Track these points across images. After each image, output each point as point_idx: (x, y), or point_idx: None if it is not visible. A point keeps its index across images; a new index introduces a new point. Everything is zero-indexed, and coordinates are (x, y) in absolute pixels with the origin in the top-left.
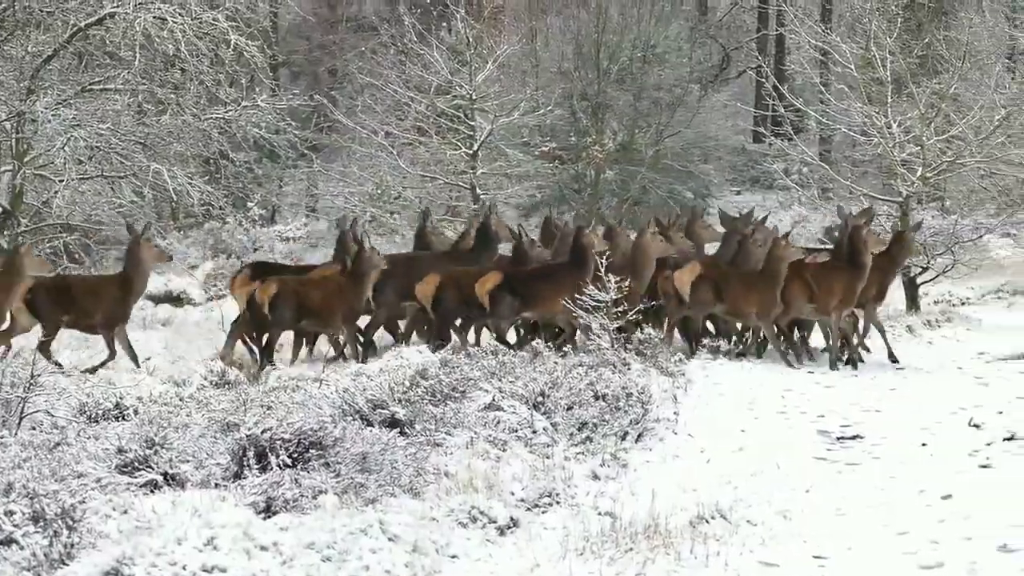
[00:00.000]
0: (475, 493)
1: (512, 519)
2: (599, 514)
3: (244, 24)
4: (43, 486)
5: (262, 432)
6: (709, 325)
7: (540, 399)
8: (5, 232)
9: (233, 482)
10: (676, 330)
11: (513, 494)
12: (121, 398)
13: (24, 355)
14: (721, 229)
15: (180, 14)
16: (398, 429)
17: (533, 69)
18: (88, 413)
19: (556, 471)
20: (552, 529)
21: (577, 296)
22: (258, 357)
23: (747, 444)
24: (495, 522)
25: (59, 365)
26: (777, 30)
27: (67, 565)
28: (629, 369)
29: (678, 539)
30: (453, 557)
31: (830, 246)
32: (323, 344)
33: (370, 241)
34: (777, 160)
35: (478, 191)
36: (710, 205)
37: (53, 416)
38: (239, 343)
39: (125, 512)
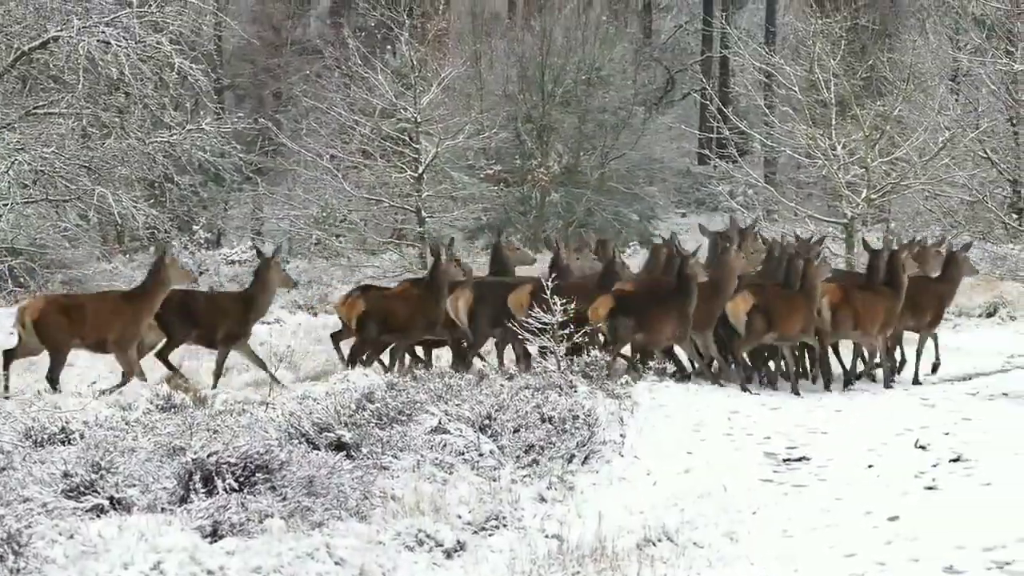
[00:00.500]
0: (422, 516)
1: (459, 542)
2: (546, 537)
3: (188, 48)
4: None
5: (208, 456)
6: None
7: (487, 422)
8: None
9: (179, 506)
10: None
11: (460, 517)
12: (67, 422)
13: None
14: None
15: (124, 38)
16: (345, 452)
17: (478, 92)
18: (34, 437)
19: (503, 494)
20: (499, 552)
21: (523, 319)
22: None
23: (694, 466)
24: (442, 545)
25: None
26: (721, 52)
27: None
28: (576, 391)
29: (625, 562)
30: None
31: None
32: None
33: (450, 254)
34: (722, 182)
35: (423, 214)
36: (655, 227)
37: None
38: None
39: (71, 537)
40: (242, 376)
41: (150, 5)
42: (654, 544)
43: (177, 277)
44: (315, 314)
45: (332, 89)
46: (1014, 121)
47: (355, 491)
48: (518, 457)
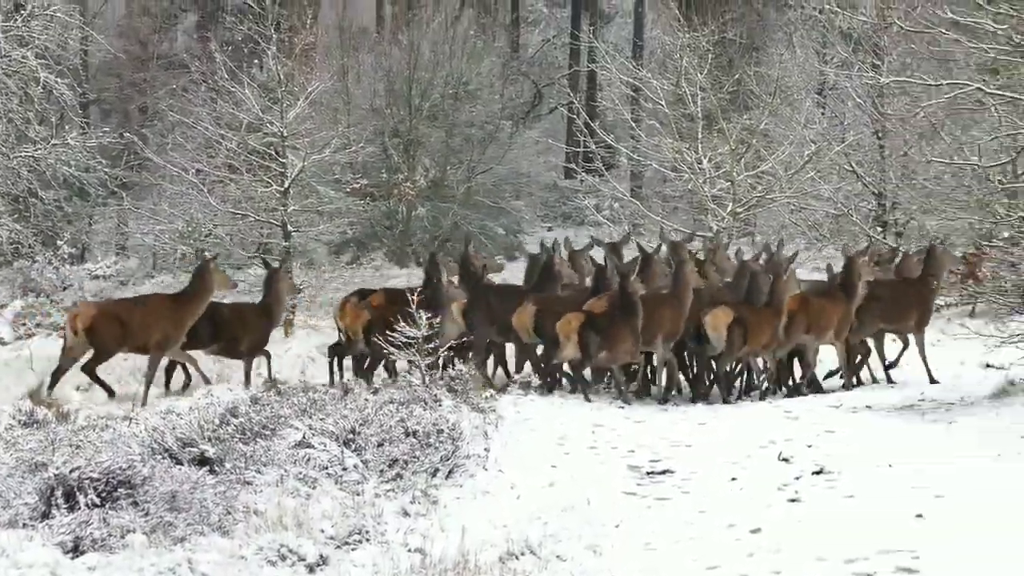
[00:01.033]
0: (284, 531)
1: (322, 557)
2: (409, 551)
3: (54, 61)
4: None
5: (70, 471)
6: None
7: (351, 436)
8: None
9: (41, 522)
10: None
11: (323, 532)
12: None
13: None
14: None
15: None
16: (208, 467)
17: (345, 106)
18: None
19: (366, 508)
20: (362, 567)
21: (389, 332)
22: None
23: (557, 479)
24: (304, 560)
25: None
26: (588, 66)
27: None
28: (440, 405)
29: (488, 575)
30: None
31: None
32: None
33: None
34: (588, 196)
35: (289, 228)
36: (522, 241)
37: None
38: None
39: None
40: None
41: (16, 19)
42: (517, 558)
43: (221, 283)
44: None
45: (198, 103)
46: (879, 134)
47: (218, 506)
48: (382, 471)
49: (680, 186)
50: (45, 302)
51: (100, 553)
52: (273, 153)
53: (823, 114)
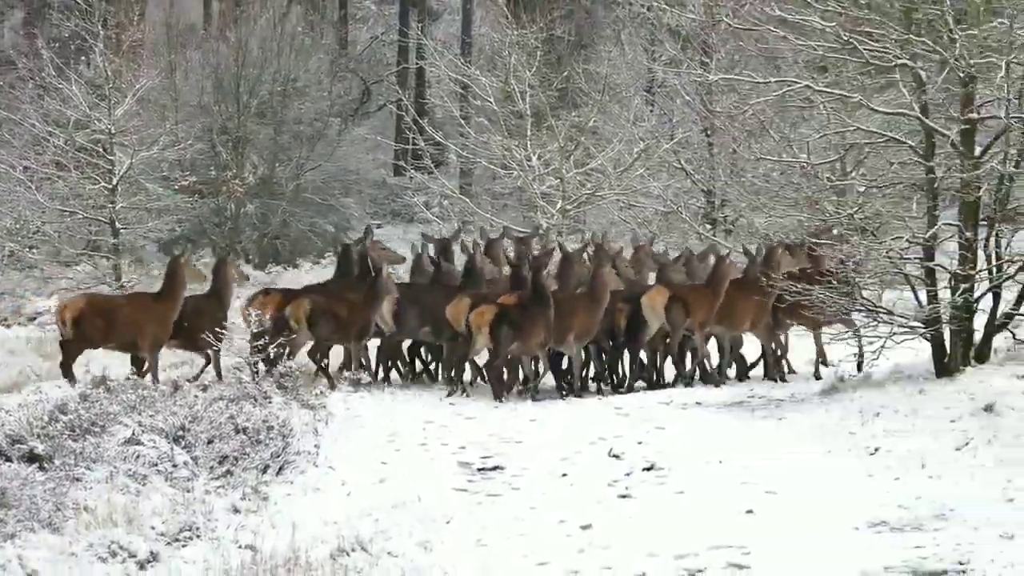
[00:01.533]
0: (115, 527)
1: (152, 553)
2: (240, 547)
3: None
4: None
5: None
6: None
7: (181, 433)
8: None
9: None
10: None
11: (153, 528)
12: None
13: None
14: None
15: None
16: (37, 464)
17: (173, 103)
18: None
19: (196, 505)
20: (192, 563)
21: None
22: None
23: (388, 476)
24: (135, 556)
25: None
26: (417, 63)
27: None
28: (270, 402)
29: (319, 572)
30: None
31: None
32: None
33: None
34: (418, 193)
35: (117, 225)
36: (351, 239)
37: None
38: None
39: None
40: None
41: None
42: (348, 554)
43: (192, 278)
44: (8, 326)
45: (25, 100)
46: (708, 132)
47: (47, 502)
48: (212, 468)
49: (509, 183)
50: None
51: None
52: (101, 150)
53: (652, 112)
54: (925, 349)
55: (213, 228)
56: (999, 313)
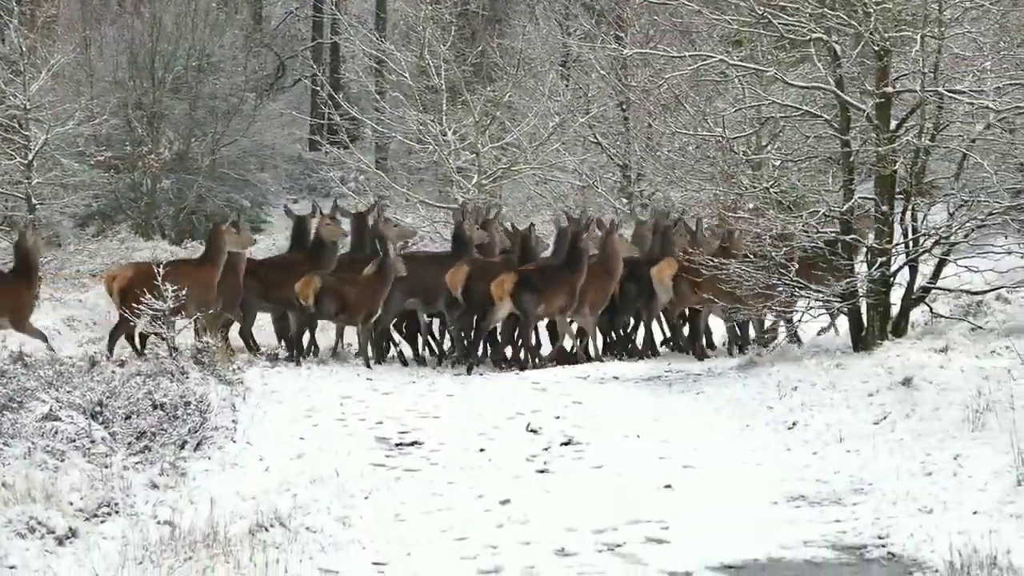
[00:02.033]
0: (33, 503)
1: (71, 529)
2: (158, 523)
3: None
4: None
5: None
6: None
7: (98, 408)
8: None
9: None
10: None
11: (72, 504)
12: None
13: None
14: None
15: None
16: None
17: (88, 79)
18: None
19: (115, 480)
20: (111, 539)
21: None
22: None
23: (306, 451)
24: (54, 532)
25: None
26: (332, 39)
27: None
28: (187, 378)
29: (237, 547)
30: (11, 568)
31: None
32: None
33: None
34: (333, 168)
35: (34, 201)
36: (267, 214)
37: None
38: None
39: None
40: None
41: None
42: (267, 529)
43: (234, 243)
44: None
45: None
46: (624, 106)
47: None
48: (130, 443)
49: (425, 158)
50: None
51: None
52: (16, 126)
53: (567, 86)
54: (842, 323)
55: (129, 203)
56: (916, 287)
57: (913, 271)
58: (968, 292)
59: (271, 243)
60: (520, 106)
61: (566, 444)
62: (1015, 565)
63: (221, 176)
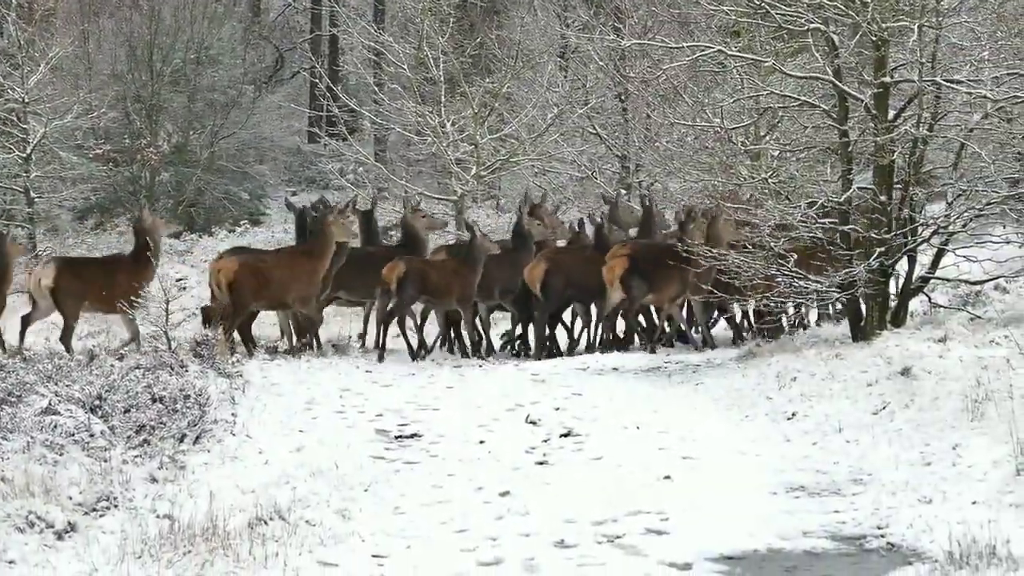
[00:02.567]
0: (32, 498)
1: (70, 523)
2: (157, 517)
3: None
4: None
5: None
6: None
7: (97, 402)
8: None
9: None
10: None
11: (71, 498)
12: None
13: None
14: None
15: None
16: None
17: (87, 72)
18: None
19: (114, 474)
20: (110, 533)
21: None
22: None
23: (305, 444)
24: (53, 527)
25: None
26: (330, 31)
27: None
28: (187, 371)
29: (237, 540)
30: (11, 563)
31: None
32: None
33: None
34: (332, 160)
35: (32, 194)
36: (266, 206)
37: None
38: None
39: None
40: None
41: None
42: (266, 523)
43: (341, 233)
44: None
45: None
46: (622, 97)
47: None
48: (129, 437)
49: (424, 150)
50: None
51: None
52: (15, 119)
53: (565, 77)
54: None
55: (128, 196)
56: (914, 277)
57: (912, 261)
58: (967, 282)
59: (269, 235)
60: (518, 97)
61: (565, 436)
62: (1015, 555)
63: (220, 168)
